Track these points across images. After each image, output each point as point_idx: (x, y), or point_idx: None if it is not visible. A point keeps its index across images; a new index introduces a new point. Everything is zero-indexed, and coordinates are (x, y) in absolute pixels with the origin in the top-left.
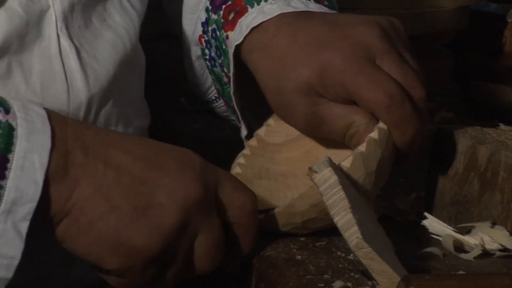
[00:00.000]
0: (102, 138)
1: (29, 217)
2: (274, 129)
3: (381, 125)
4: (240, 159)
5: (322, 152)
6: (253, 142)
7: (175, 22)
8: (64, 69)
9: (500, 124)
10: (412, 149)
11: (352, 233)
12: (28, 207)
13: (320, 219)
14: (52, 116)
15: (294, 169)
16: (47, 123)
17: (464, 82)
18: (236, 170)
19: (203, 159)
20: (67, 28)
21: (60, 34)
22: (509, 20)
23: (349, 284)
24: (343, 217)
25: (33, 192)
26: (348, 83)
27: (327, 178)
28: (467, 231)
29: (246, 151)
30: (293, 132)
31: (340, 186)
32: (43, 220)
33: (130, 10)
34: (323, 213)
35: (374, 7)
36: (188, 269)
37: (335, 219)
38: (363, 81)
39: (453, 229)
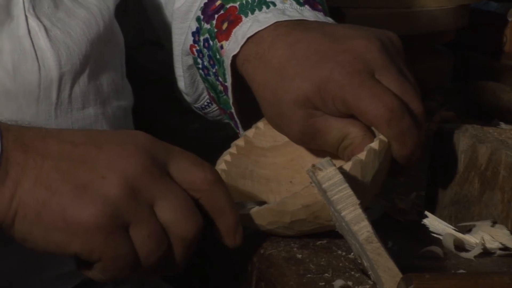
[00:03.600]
0: (42, 135)
1: None
2: (263, 133)
3: (382, 137)
4: (226, 157)
5: (308, 161)
6: (240, 142)
7: (162, 32)
8: (34, 48)
9: (501, 123)
10: (411, 162)
11: (362, 227)
12: None
13: (308, 221)
14: None
15: (278, 175)
16: None
17: (464, 82)
18: (221, 166)
19: (153, 138)
20: (34, 9)
21: (28, 14)
22: (509, 19)
23: (350, 283)
24: (352, 212)
25: None
26: (348, 97)
27: (331, 176)
28: (467, 230)
29: (232, 149)
30: (281, 138)
31: (347, 184)
32: None
33: None
34: (313, 216)
35: (374, 6)
36: (169, 233)
37: (343, 213)
38: (363, 94)
39: (453, 228)
